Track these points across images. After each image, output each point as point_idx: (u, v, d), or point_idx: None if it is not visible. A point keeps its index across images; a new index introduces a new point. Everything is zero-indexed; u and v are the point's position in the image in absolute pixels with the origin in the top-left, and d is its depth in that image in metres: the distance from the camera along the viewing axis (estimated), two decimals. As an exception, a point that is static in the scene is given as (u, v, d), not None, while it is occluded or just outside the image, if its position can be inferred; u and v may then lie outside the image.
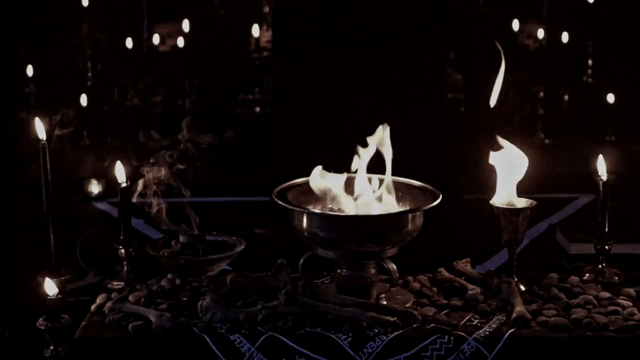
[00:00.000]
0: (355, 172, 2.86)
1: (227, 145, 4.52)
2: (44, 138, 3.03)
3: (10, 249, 3.56)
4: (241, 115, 5.61)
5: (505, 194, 2.89)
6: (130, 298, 2.79)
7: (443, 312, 2.74)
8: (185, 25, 6.22)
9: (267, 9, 6.34)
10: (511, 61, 5.90)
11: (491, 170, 2.92)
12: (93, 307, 2.80)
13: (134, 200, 2.88)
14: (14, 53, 5.99)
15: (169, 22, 6.51)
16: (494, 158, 2.88)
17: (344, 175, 2.84)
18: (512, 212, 2.86)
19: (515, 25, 6.27)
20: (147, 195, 2.86)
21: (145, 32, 6.51)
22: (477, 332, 2.62)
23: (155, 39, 6.33)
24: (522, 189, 2.91)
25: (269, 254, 2.97)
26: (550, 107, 5.68)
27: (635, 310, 2.73)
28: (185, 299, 2.78)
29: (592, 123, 5.60)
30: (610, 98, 5.38)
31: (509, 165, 2.88)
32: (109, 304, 2.77)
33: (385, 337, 2.60)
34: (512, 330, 2.64)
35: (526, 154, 2.88)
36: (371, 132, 2.87)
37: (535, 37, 6.28)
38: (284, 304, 2.65)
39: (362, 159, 2.84)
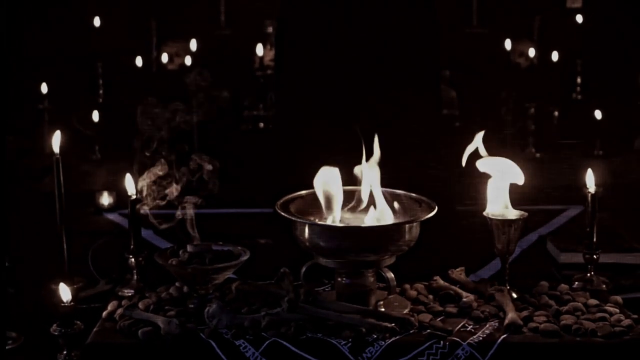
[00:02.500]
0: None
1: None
2: (58, 152, 3.03)
3: (24, 258, 3.57)
4: (246, 131, 5.62)
5: (498, 206, 2.89)
6: (140, 305, 2.80)
7: (439, 319, 2.74)
8: (193, 44, 6.23)
9: (270, 29, 6.35)
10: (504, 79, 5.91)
11: (484, 183, 2.93)
12: (104, 313, 2.80)
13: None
14: (29, 70, 6.01)
15: (177, 42, 6.52)
16: (482, 165, 2.89)
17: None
18: (504, 223, 2.87)
19: (508, 44, 6.28)
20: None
21: (154, 51, 6.52)
22: (471, 338, 2.63)
23: (164, 58, 6.34)
24: (514, 201, 2.91)
25: (272, 263, 2.97)
26: (541, 123, 5.68)
27: (622, 317, 2.73)
28: (192, 306, 2.79)
29: (581, 138, 5.61)
30: (598, 114, 5.39)
31: (501, 175, 2.88)
32: (119, 311, 2.77)
33: (383, 343, 2.60)
34: (505, 335, 2.64)
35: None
36: (369, 145, 2.88)
37: (527, 55, 6.29)
38: (286, 310, 2.65)
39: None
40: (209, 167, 2.87)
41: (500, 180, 2.89)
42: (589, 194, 3.13)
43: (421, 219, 2.79)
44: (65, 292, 2.75)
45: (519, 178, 2.87)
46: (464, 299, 2.82)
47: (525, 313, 2.75)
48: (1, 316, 2.75)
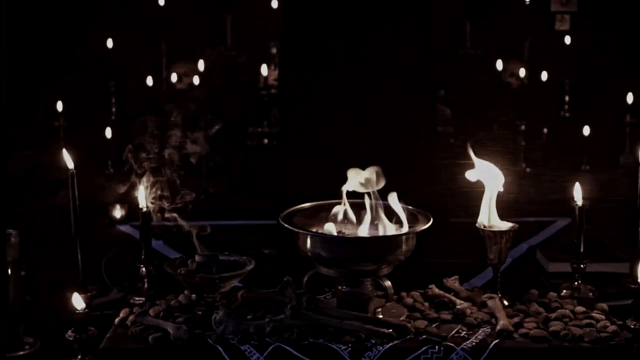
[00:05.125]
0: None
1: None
2: (73, 167, 3.04)
3: (41, 267, 3.57)
4: (251, 147, 5.62)
5: (491, 218, 2.90)
6: (151, 312, 2.80)
7: (434, 325, 2.75)
8: (201, 64, 6.24)
9: (274, 50, 6.36)
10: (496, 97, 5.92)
11: (477, 197, 2.93)
12: (117, 320, 2.81)
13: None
14: (45, 88, 6.02)
15: (185, 62, 6.53)
16: (471, 174, 2.90)
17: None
18: (496, 234, 2.87)
19: (499, 64, 6.29)
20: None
21: (164, 71, 6.53)
22: (465, 343, 2.63)
23: (173, 78, 6.35)
24: (506, 213, 2.92)
25: (276, 272, 2.97)
26: (531, 139, 5.69)
27: (608, 323, 2.74)
28: (200, 312, 2.79)
29: (569, 154, 5.61)
30: (586, 131, 5.39)
31: (487, 181, 2.89)
32: (131, 318, 2.77)
33: (381, 348, 2.60)
34: (497, 341, 2.65)
35: (508, 182, 2.90)
36: (368, 160, 2.89)
37: (518, 75, 6.29)
38: (289, 317, 2.66)
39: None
40: (218, 126, 2.88)
41: (491, 191, 2.89)
42: (577, 207, 3.14)
43: (417, 230, 2.79)
44: (79, 300, 2.75)
45: (500, 181, 2.87)
46: (458, 306, 2.82)
47: (516, 319, 2.75)
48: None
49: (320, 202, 2.97)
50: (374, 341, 2.62)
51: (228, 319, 2.67)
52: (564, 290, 3.14)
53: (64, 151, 3.04)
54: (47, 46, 6.29)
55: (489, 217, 2.90)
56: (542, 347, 2.64)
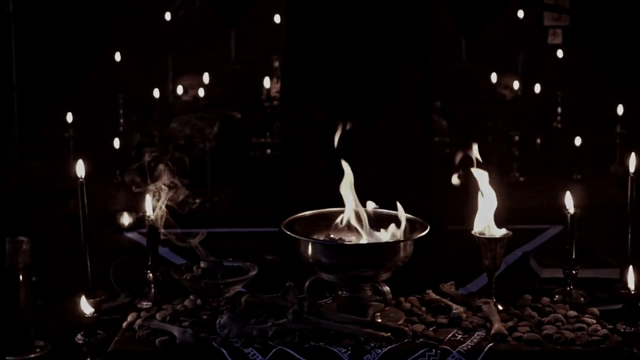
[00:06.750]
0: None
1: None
2: (82, 176, 3.04)
3: (52, 273, 3.58)
4: (254, 157, 5.62)
5: (485, 225, 2.91)
6: (157, 316, 2.81)
7: (431, 329, 2.75)
8: (206, 77, 6.25)
9: (276, 64, 6.37)
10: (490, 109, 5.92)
11: (472, 205, 2.94)
12: (125, 324, 2.81)
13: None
14: (55, 101, 6.04)
15: (191, 75, 6.53)
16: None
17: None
18: (491, 241, 2.88)
19: (494, 77, 6.29)
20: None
21: (170, 83, 6.54)
22: (461, 346, 2.64)
23: (179, 90, 6.36)
24: (500, 221, 2.92)
25: (278, 278, 2.98)
26: (524, 149, 5.69)
27: (599, 327, 2.74)
28: (205, 317, 2.80)
29: (561, 163, 5.62)
30: (577, 141, 5.40)
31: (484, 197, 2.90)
32: (138, 322, 2.78)
33: (380, 350, 2.61)
34: (491, 344, 2.65)
35: (502, 190, 2.90)
36: (367, 163, 2.90)
37: (512, 87, 6.30)
38: (291, 321, 2.66)
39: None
40: (238, 115, 2.89)
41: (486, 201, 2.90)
42: (569, 215, 3.15)
43: (415, 237, 2.80)
44: (88, 305, 2.76)
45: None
46: (454, 311, 2.83)
47: (510, 323, 2.76)
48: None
49: (321, 210, 2.98)
50: (372, 344, 2.62)
51: (232, 323, 2.67)
52: (557, 295, 3.15)
53: (80, 160, 3.05)
54: (57, 60, 6.31)
55: (484, 224, 2.90)
56: (535, 350, 2.64)
